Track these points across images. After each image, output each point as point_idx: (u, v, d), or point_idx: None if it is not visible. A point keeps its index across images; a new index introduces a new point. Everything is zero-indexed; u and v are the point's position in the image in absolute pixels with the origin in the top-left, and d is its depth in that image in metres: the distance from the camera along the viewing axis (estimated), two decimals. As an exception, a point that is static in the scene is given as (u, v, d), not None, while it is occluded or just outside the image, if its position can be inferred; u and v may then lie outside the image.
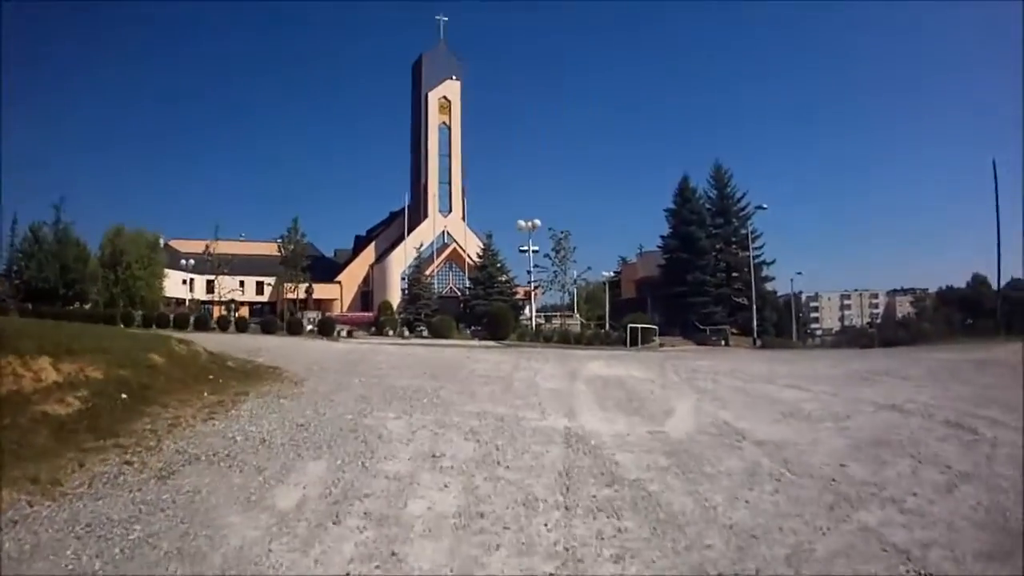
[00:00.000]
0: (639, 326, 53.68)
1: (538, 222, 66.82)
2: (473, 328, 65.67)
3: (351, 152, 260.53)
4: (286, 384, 18.83)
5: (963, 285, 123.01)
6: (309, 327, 63.59)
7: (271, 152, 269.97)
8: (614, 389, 19.87)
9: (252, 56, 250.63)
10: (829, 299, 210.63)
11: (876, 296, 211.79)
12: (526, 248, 68.93)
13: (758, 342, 65.64)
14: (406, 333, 64.64)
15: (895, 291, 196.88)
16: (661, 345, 56.60)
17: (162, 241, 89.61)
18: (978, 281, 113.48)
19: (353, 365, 25.23)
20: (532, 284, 72.69)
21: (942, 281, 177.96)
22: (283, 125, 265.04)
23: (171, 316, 63.66)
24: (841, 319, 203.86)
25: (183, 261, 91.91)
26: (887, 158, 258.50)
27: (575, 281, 74.87)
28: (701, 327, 67.96)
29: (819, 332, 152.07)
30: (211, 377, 18.12)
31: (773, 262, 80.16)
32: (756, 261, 75.38)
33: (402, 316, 74.22)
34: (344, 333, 59.79)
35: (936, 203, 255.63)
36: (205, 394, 15.95)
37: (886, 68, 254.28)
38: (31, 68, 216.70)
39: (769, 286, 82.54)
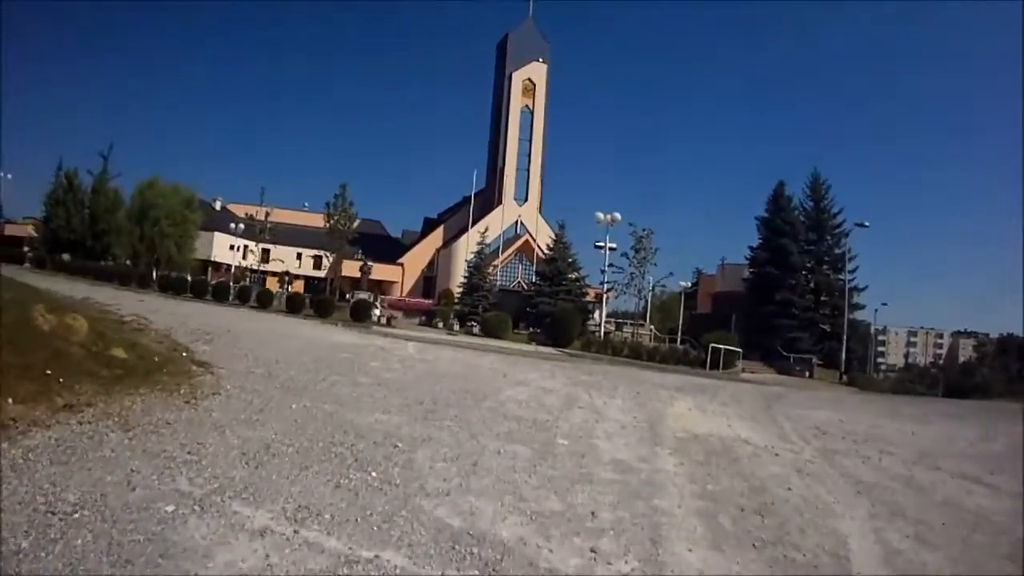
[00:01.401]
0: (721, 347, 45.22)
1: (618, 216, 57.64)
2: (532, 329, 57.38)
3: (429, 130, 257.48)
4: (169, 396, 12.51)
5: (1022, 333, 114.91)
6: (376, 311, 56.33)
7: (348, 125, 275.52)
8: (722, 470, 12.47)
9: (333, 28, 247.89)
10: (896, 334, 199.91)
11: (941, 336, 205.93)
12: (602, 244, 58.96)
13: (844, 378, 56.76)
14: (456, 327, 56.82)
15: (959, 333, 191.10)
16: (743, 371, 48.83)
17: (219, 204, 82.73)
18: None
19: (327, 372, 17.82)
20: (605, 285, 61.50)
21: (1002, 328, 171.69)
22: (361, 99, 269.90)
23: (211, 283, 57.12)
24: (906, 356, 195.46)
25: (232, 225, 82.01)
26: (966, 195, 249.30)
27: (653, 287, 64.01)
28: (785, 354, 59.05)
29: (883, 367, 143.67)
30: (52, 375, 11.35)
31: (865, 288, 70.56)
32: (848, 286, 65.51)
33: (457, 308, 65.40)
34: (383, 319, 52.22)
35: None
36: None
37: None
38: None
39: (858, 315, 73.19)
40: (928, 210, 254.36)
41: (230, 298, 52.10)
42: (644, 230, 59.09)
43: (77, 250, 72.83)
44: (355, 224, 73.14)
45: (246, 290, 54.68)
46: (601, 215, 56.82)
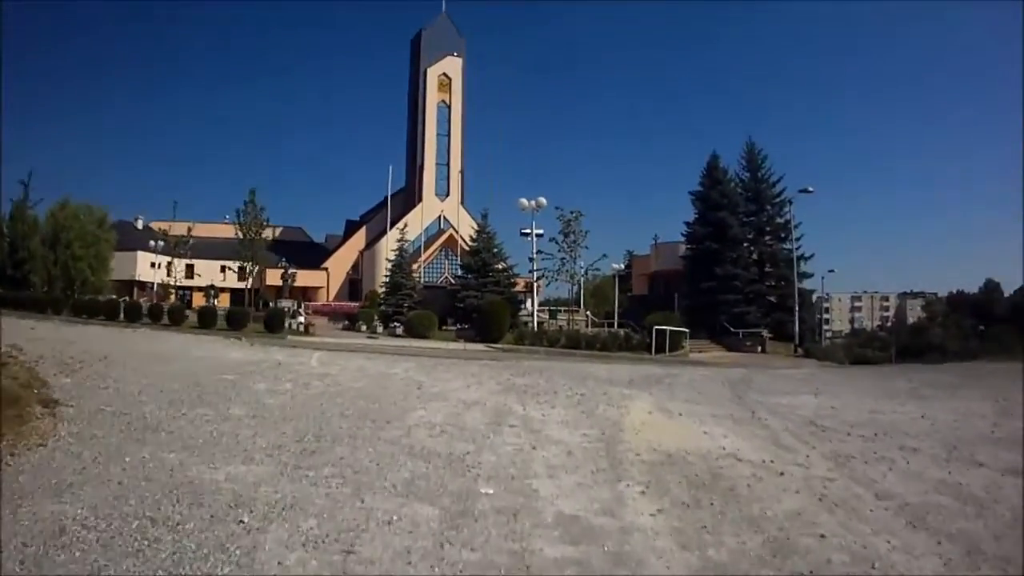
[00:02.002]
0: (666, 328, 41.76)
1: (543, 200, 52.81)
2: (460, 326, 53.67)
3: (345, 132, 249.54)
4: None
5: (974, 290, 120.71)
6: (300, 318, 51.95)
7: (260, 132, 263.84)
8: (721, 515, 8.59)
9: (242, 24, 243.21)
10: (840, 300, 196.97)
11: (887, 299, 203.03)
12: (528, 231, 54.33)
13: (799, 350, 53.99)
14: (379, 329, 52.80)
15: (905, 294, 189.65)
16: (691, 351, 45.22)
17: (140, 222, 78.10)
18: (990, 287, 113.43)
19: (195, 403, 13.91)
20: (534, 273, 56.39)
21: (951, 285, 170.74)
22: (273, 103, 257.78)
23: (124, 303, 51.81)
24: (851, 321, 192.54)
25: (152, 243, 78.69)
26: (908, 154, 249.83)
27: (586, 271, 59.48)
28: (733, 330, 54.86)
29: (829, 334, 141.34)
30: None
31: (811, 256, 64.60)
32: (795, 256, 61.54)
33: (379, 309, 60.92)
34: (300, 327, 47.71)
35: (952, 205, 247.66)
36: None
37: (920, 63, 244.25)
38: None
39: (806, 284, 66.34)
40: (861, 173, 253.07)
41: (141, 318, 47.29)
42: (572, 212, 55.08)
43: None
44: (268, 230, 67.65)
45: (157, 308, 49.76)
46: (525, 201, 52.43)
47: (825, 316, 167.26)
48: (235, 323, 44.21)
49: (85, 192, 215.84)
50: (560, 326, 54.12)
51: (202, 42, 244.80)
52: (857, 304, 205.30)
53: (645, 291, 74.86)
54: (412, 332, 47.01)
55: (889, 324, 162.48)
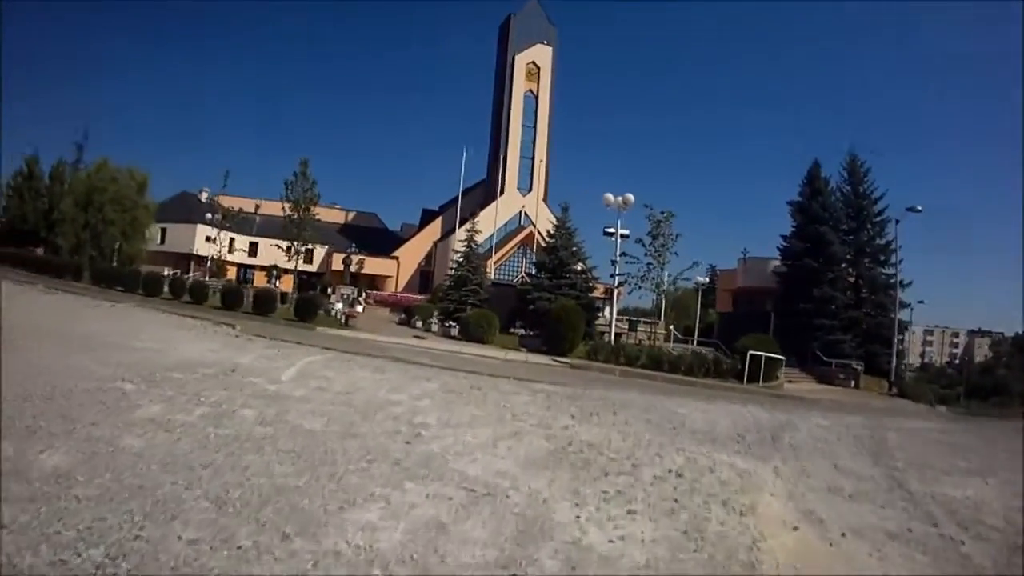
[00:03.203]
0: (761, 354, 34.71)
1: (631, 197, 44.42)
2: (526, 331, 46.44)
3: (429, 118, 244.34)
4: None
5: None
6: (338, 305, 46.86)
7: (344, 114, 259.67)
8: None
9: (331, 18, 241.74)
10: (914, 333, 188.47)
11: (957, 335, 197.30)
12: (612, 229, 45.39)
13: (892, 388, 47.00)
14: (433, 327, 46.11)
15: (974, 332, 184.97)
16: (785, 382, 38.95)
17: (204, 195, 71.95)
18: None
19: None
20: (616, 278, 47.02)
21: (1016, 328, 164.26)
22: (360, 89, 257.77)
23: (143, 274, 46.09)
24: (922, 355, 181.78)
25: (208, 215, 70.54)
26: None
27: (675, 280, 52.42)
28: (826, 359, 47.79)
29: (904, 367, 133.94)
30: None
31: (910, 284, 57.08)
32: (892, 281, 54.65)
33: (440, 305, 54.34)
34: (341, 317, 41.60)
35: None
36: None
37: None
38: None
39: (902, 315, 59.16)
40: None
41: (160, 292, 42.80)
42: (663, 212, 48.34)
43: (32, 241, 66.21)
44: (338, 212, 61.16)
45: (178, 282, 44.55)
46: (611, 196, 44.16)
47: (900, 348, 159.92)
48: (262, 306, 38.70)
49: (153, 164, 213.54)
50: (639, 340, 47.52)
51: (286, 27, 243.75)
52: (929, 338, 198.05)
53: (729, 308, 68.14)
54: (468, 334, 40.16)
55: (957, 361, 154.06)
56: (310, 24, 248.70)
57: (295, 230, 57.60)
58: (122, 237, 62.94)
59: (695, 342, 50.53)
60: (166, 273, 54.82)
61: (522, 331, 47.32)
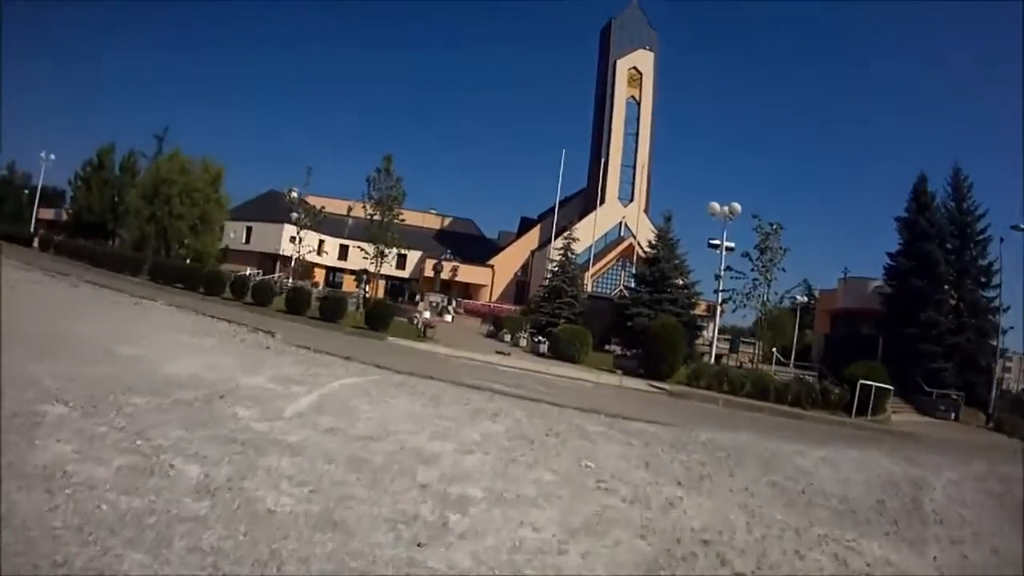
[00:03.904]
0: (871, 384, 31.31)
1: (738, 207, 42.13)
2: (623, 350, 42.57)
3: (532, 125, 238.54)
4: None
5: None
6: (425, 314, 44.88)
7: (445, 117, 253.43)
8: None
9: (429, 21, 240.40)
10: (1011, 359, 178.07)
11: None
12: (717, 241, 42.72)
13: (990, 422, 42.95)
14: (522, 342, 42.48)
15: None
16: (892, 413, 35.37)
17: (295, 193, 69.90)
18: None
19: None
20: (719, 294, 44.32)
21: None
22: (461, 94, 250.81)
23: (241, 277, 43.60)
24: (1000, 382, 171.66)
25: (293, 215, 62.58)
26: None
27: (782, 297, 48.82)
28: (928, 389, 43.58)
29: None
30: None
31: (1007, 308, 51.41)
32: (992, 305, 50.86)
33: (532, 317, 50.64)
34: (421, 328, 37.64)
35: None
36: None
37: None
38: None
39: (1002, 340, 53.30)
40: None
41: (221, 292, 40.78)
42: (772, 224, 43.51)
43: (98, 232, 65.32)
44: (402, 210, 57.53)
45: (240, 283, 41.64)
46: (716, 205, 41.82)
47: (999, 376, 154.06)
48: (329, 312, 35.68)
49: (240, 160, 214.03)
50: (740, 362, 44.81)
51: (394, 30, 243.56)
52: (1008, 364, 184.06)
53: (826, 329, 64.80)
54: (558, 351, 36.42)
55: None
56: (405, 28, 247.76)
57: (377, 232, 54.66)
58: (191, 232, 60.20)
59: (792, 364, 48.83)
60: (248, 273, 53.07)
61: (617, 349, 43.83)
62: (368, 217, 55.15)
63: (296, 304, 36.61)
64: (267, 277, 56.17)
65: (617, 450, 13.05)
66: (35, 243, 62.85)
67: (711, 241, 43.23)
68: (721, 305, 45.38)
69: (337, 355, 20.82)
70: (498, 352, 34.08)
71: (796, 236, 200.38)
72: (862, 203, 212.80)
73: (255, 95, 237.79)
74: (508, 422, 13.98)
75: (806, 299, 65.75)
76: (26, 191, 79.47)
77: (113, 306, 26.45)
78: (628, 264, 78.42)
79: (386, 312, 35.99)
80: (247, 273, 51.58)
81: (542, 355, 36.82)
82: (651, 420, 17.77)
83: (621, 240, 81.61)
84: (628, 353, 38.88)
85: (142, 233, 59.01)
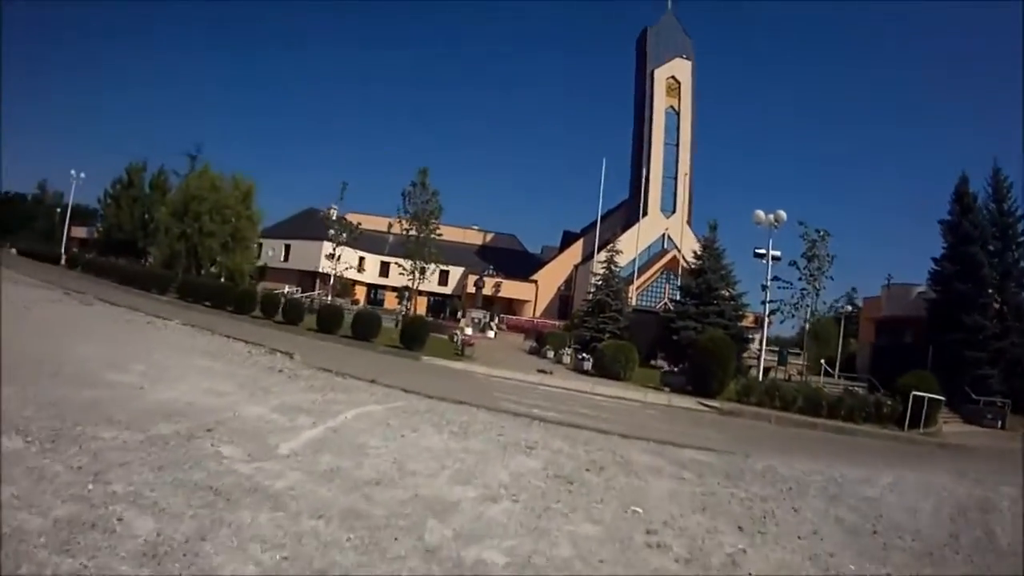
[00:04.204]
0: (924, 395, 28.97)
1: (783, 215, 39.18)
2: (670, 365, 40.32)
3: (571, 137, 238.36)
4: None
5: None
6: (467, 330, 43.62)
7: (484, 133, 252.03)
8: None
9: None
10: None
11: None
12: (763, 250, 40.00)
13: None
14: (565, 359, 39.87)
15: None
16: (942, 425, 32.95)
17: (334, 212, 68.19)
18: None
19: None
20: (767, 306, 40.75)
21: None
22: (500, 107, 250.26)
23: (231, 290, 43.26)
24: None
25: (331, 231, 60.75)
26: None
27: (831, 307, 46.48)
28: (975, 397, 40.86)
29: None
30: None
31: None
32: None
33: (575, 333, 48.50)
34: (459, 346, 35.13)
35: None
36: None
37: None
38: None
39: None
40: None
41: (252, 310, 39.01)
42: (819, 231, 42.29)
43: (128, 251, 64.68)
44: (474, 233, 55.90)
45: (270, 301, 39.90)
46: (761, 213, 39.24)
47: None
48: (362, 331, 33.68)
49: (274, 180, 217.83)
50: (788, 375, 42.59)
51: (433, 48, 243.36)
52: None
53: (871, 338, 62.93)
54: (603, 368, 33.98)
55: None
56: (438, 43, 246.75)
57: (414, 247, 53.39)
58: (222, 249, 58.63)
59: (839, 375, 46.04)
60: (286, 290, 52.15)
61: (663, 363, 42.12)
62: (404, 232, 53.79)
63: (327, 322, 34.82)
64: (303, 295, 55.65)
65: (668, 487, 11.37)
66: (63, 261, 62.36)
67: (757, 250, 40.79)
68: (769, 317, 42.77)
69: (361, 378, 19.06)
70: (540, 371, 32.22)
71: (835, 243, 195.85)
72: (900, 207, 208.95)
73: (291, 111, 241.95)
74: (545, 455, 12.27)
75: (849, 308, 63.89)
76: (58, 210, 79.34)
77: (123, 325, 25.11)
78: (672, 277, 76.96)
79: (422, 329, 33.89)
80: (285, 291, 50.75)
81: (586, 372, 34.92)
82: (703, 447, 16.02)
83: (664, 252, 80.00)
84: (675, 369, 36.72)
85: (172, 251, 57.62)
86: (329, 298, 53.56)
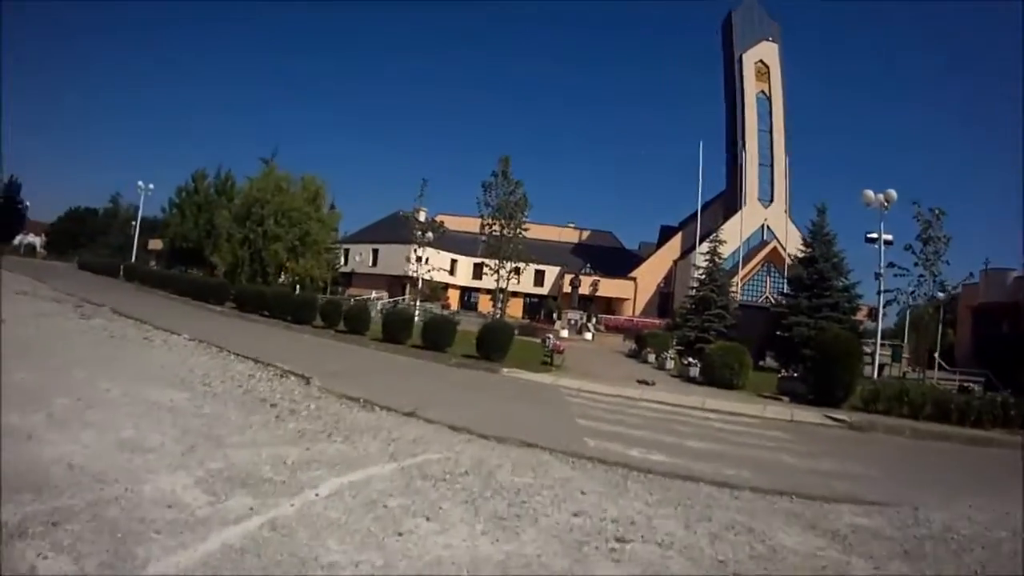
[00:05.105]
0: None
1: (894, 194, 35.17)
2: (785, 369, 34.04)
3: (664, 128, 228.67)
4: None
5: None
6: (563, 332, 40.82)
7: (576, 128, 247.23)
8: None
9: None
10: None
11: None
12: (875, 235, 35.84)
13: None
14: (668, 363, 35.01)
15: None
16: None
17: (423, 215, 64.11)
18: None
19: None
20: (881, 296, 36.67)
21: None
22: (588, 98, 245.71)
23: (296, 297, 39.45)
24: None
25: (417, 233, 53.78)
26: None
27: (950, 291, 41.54)
28: None
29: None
30: None
31: None
32: None
33: (678, 333, 44.24)
34: (548, 353, 29.56)
35: None
36: None
37: None
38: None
39: None
40: None
41: (312, 318, 34.80)
42: (934, 211, 34.65)
43: (196, 260, 62.09)
44: (524, 219, 51.05)
45: (333, 308, 34.94)
46: (871, 193, 35.37)
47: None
48: (434, 339, 28.48)
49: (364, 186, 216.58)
50: (903, 372, 39.57)
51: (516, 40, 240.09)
52: None
53: (968, 327, 57.58)
54: (712, 375, 28.25)
55: None
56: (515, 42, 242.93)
57: (495, 244, 49.36)
58: (290, 254, 53.75)
59: (947, 369, 41.66)
60: (373, 296, 48.87)
61: (774, 363, 38.14)
62: (486, 226, 49.89)
63: (393, 331, 30.05)
64: (389, 300, 53.26)
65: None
66: (120, 273, 59.94)
67: (868, 235, 36.82)
68: (884, 308, 38.27)
69: (397, 410, 14.02)
70: (640, 381, 26.59)
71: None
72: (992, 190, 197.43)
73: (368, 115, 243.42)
74: (647, 555, 7.19)
75: (941, 295, 58.67)
76: (134, 223, 77.16)
77: (106, 343, 20.23)
78: (773, 269, 72.31)
79: (502, 335, 28.09)
80: (371, 296, 47.41)
81: (692, 380, 29.59)
82: (857, 498, 10.97)
83: (765, 243, 75.03)
84: (794, 374, 30.27)
85: (235, 258, 53.26)
86: (417, 303, 49.19)
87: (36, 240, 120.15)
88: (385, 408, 14.18)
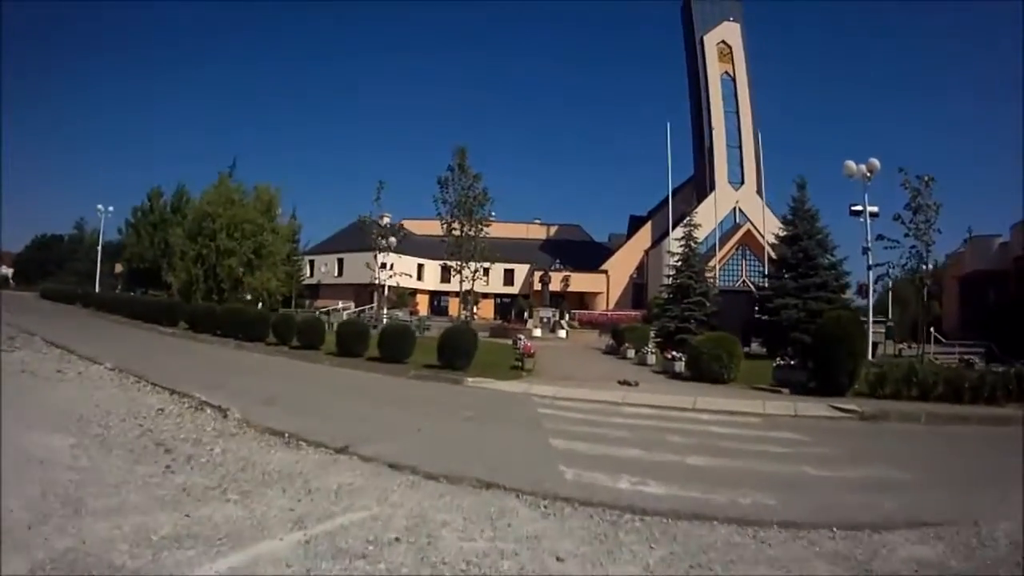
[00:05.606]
0: None
1: (877, 163, 32.77)
2: (781, 358, 28.00)
3: (626, 116, 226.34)
4: None
5: None
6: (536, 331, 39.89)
7: (539, 120, 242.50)
8: None
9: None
10: None
11: None
12: (859, 206, 33.55)
13: None
14: (650, 358, 32.21)
15: None
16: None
17: (386, 219, 61.28)
18: None
19: None
20: (871, 272, 34.71)
21: None
22: (545, 87, 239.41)
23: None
24: None
25: (381, 239, 52.29)
26: None
27: (942, 263, 41.35)
28: None
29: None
30: None
31: None
32: None
33: (657, 324, 41.55)
34: (519, 356, 27.01)
35: None
36: None
37: None
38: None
39: None
40: None
41: (265, 335, 32.27)
42: (923, 178, 32.21)
43: (153, 282, 60.13)
44: (485, 216, 48.35)
45: (287, 321, 32.43)
46: (852, 164, 33.00)
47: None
48: (390, 351, 25.75)
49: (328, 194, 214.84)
50: (899, 350, 38.39)
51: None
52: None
53: (955, 298, 56.26)
54: (700, 369, 25.61)
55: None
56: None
57: (454, 243, 47.17)
58: (245, 269, 50.32)
59: (930, 338, 39.59)
60: (340, 307, 46.57)
61: (761, 350, 36.41)
62: (445, 224, 47.57)
63: (349, 343, 27.20)
64: (354, 310, 52.52)
65: None
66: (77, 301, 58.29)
67: (853, 207, 34.51)
68: (873, 284, 36.21)
69: (328, 444, 11.41)
70: (621, 382, 23.81)
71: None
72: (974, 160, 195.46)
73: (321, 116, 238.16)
74: None
75: (924, 266, 56.79)
76: (99, 248, 75.30)
77: (15, 377, 17.35)
78: (749, 252, 71.12)
79: (465, 340, 25.12)
80: (337, 307, 45.75)
81: (679, 376, 26.97)
82: (911, 520, 8.59)
83: (738, 227, 73.25)
84: (791, 362, 27.06)
85: (190, 276, 49.69)
86: (384, 311, 47.93)
87: (9, 272, 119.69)
88: (314, 444, 11.52)
